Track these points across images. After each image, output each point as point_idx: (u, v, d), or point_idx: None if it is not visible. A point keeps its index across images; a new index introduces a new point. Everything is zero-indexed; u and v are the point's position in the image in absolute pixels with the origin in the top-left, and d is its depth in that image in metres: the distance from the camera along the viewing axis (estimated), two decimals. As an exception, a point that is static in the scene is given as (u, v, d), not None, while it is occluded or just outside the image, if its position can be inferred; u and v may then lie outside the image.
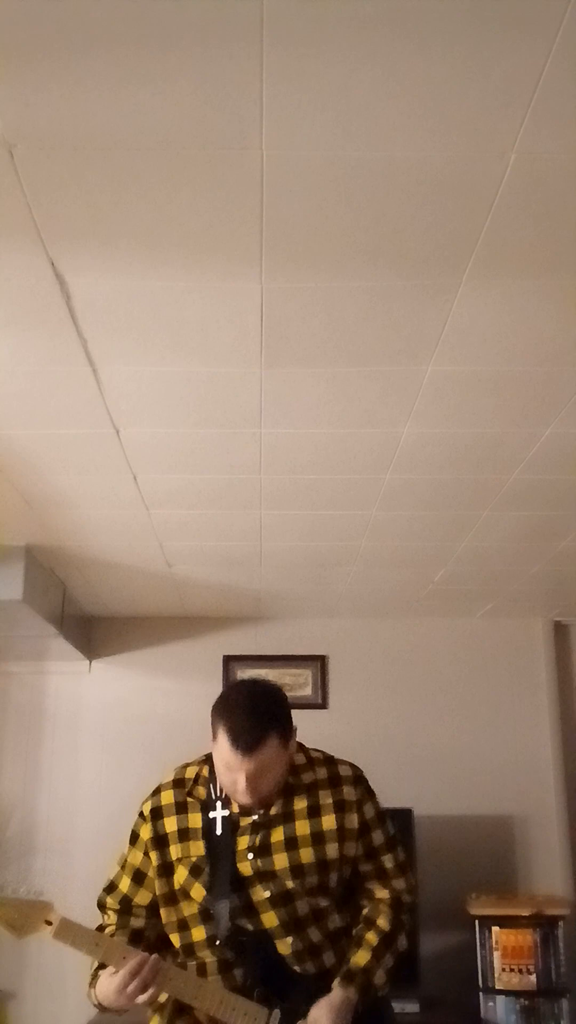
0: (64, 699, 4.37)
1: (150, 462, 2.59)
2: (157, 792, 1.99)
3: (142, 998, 1.77)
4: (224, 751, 1.81)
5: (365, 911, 1.92)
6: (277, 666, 4.33)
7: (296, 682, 4.34)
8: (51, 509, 2.95)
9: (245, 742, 1.78)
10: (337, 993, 1.79)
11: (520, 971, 3.65)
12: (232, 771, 1.82)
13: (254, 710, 1.83)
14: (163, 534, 3.22)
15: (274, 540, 3.29)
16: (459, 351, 1.97)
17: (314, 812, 1.90)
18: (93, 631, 4.47)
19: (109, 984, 1.79)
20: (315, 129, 1.34)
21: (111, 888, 1.97)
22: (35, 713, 4.34)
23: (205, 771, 1.96)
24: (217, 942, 1.83)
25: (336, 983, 1.81)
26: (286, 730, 1.85)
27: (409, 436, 2.40)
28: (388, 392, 2.17)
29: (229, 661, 4.41)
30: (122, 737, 4.30)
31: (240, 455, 2.54)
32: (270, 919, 1.83)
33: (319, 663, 4.42)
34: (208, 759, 1.97)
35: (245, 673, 4.36)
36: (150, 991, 1.77)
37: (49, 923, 1.77)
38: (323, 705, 4.33)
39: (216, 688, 4.39)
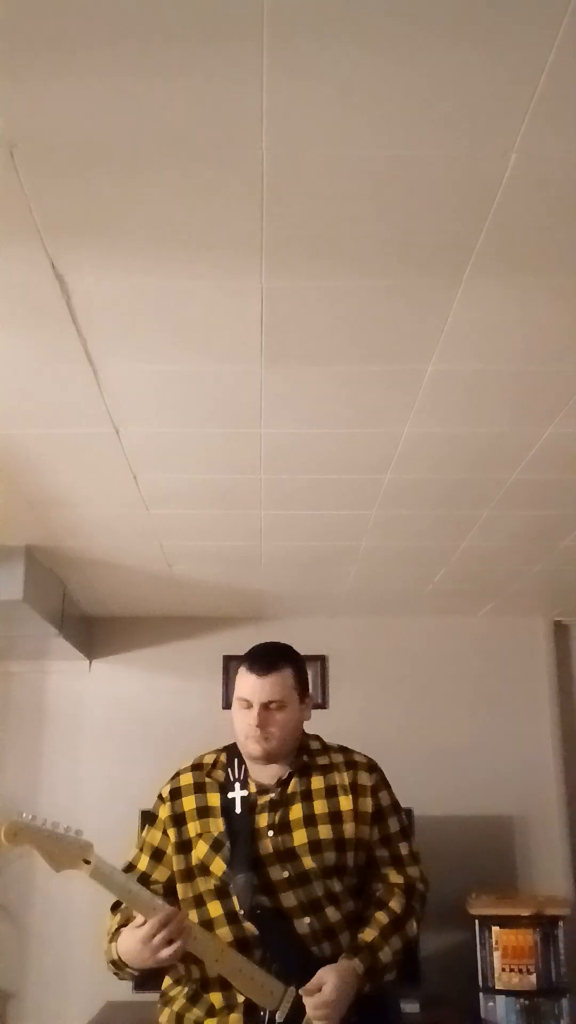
0: (64, 699, 4.36)
1: (150, 462, 2.59)
2: (176, 776, 2.05)
3: (166, 951, 1.76)
4: (240, 684, 1.95)
5: (378, 894, 1.95)
6: (277, 666, 4.32)
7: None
8: (51, 509, 2.95)
9: (261, 664, 1.94)
10: (343, 962, 1.82)
11: (520, 971, 3.65)
12: (246, 708, 1.93)
13: (273, 646, 2.02)
14: (163, 534, 3.21)
15: (274, 540, 3.29)
16: (460, 350, 1.97)
17: (331, 792, 1.96)
18: (93, 631, 4.47)
19: (133, 936, 1.78)
20: (316, 126, 1.34)
21: (129, 868, 2.00)
22: (36, 713, 4.34)
23: (223, 757, 2.03)
24: (240, 912, 1.85)
25: (343, 956, 1.84)
26: (301, 679, 2.00)
27: (410, 436, 2.40)
28: (389, 391, 2.17)
29: (229, 661, 4.40)
30: (122, 737, 4.30)
31: (241, 455, 2.54)
32: (288, 899, 1.86)
33: (319, 663, 4.42)
34: (225, 748, 2.04)
35: (245, 673, 4.36)
36: (175, 945, 1.76)
37: (87, 862, 1.79)
38: (323, 705, 4.33)
39: (216, 688, 4.41)
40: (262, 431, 2.38)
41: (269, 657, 1.97)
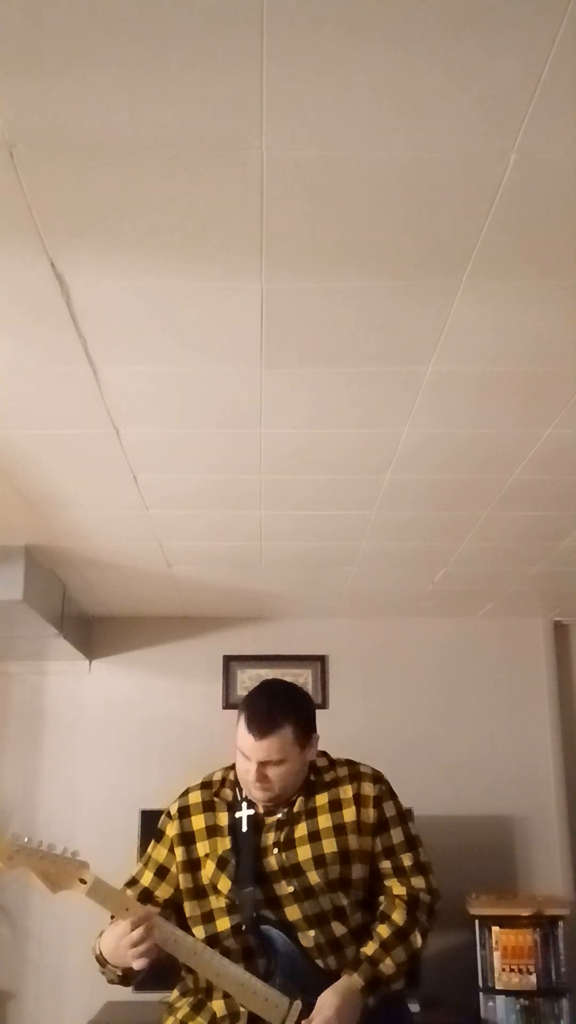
0: (64, 699, 4.36)
1: (150, 462, 2.59)
2: (185, 793, 2.05)
3: (138, 950, 1.77)
4: (240, 737, 1.90)
5: (381, 907, 1.94)
6: (277, 666, 4.33)
7: (296, 682, 4.32)
8: (51, 509, 2.95)
9: (258, 726, 1.87)
10: (343, 981, 1.81)
11: (520, 971, 3.65)
12: (245, 759, 1.89)
13: (273, 700, 1.93)
14: (163, 534, 3.21)
15: (274, 540, 3.29)
16: (459, 351, 1.97)
17: (335, 806, 1.95)
18: (93, 631, 4.47)
19: (111, 932, 1.83)
20: (315, 129, 1.34)
21: (132, 883, 2.01)
22: (35, 713, 4.34)
23: (231, 775, 2.01)
24: (243, 928, 1.85)
25: (343, 972, 1.83)
26: (303, 728, 1.92)
27: (409, 436, 2.40)
28: (388, 392, 2.17)
29: (229, 661, 4.40)
30: (122, 737, 4.29)
31: (240, 455, 2.54)
32: (293, 912, 1.86)
33: (319, 663, 4.42)
34: (233, 766, 2.02)
35: (245, 673, 4.36)
36: (147, 943, 1.77)
37: (83, 882, 1.81)
38: (323, 705, 4.33)
39: (216, 688, 4.41)
40: (262, 432, 2.38)
41: (268, 715, 1.88)
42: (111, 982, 1.92)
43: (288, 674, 4.34)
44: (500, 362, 2.03)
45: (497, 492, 2.81)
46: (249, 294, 1.76)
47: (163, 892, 1.96)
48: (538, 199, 1.49)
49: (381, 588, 3.98)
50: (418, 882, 1.96)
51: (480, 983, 3.67)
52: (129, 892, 1.97)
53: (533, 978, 3.63)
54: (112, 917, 1.88)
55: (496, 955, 3.68)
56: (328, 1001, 1.77)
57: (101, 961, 1.87)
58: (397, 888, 1.95)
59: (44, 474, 2.65)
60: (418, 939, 1.91)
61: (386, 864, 1.96)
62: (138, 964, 1.79)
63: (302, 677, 4.37)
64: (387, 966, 1.84)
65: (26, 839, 1.79)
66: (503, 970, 3.66)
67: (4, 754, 4.29)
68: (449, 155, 1.39)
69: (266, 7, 1.14)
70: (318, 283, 1.73)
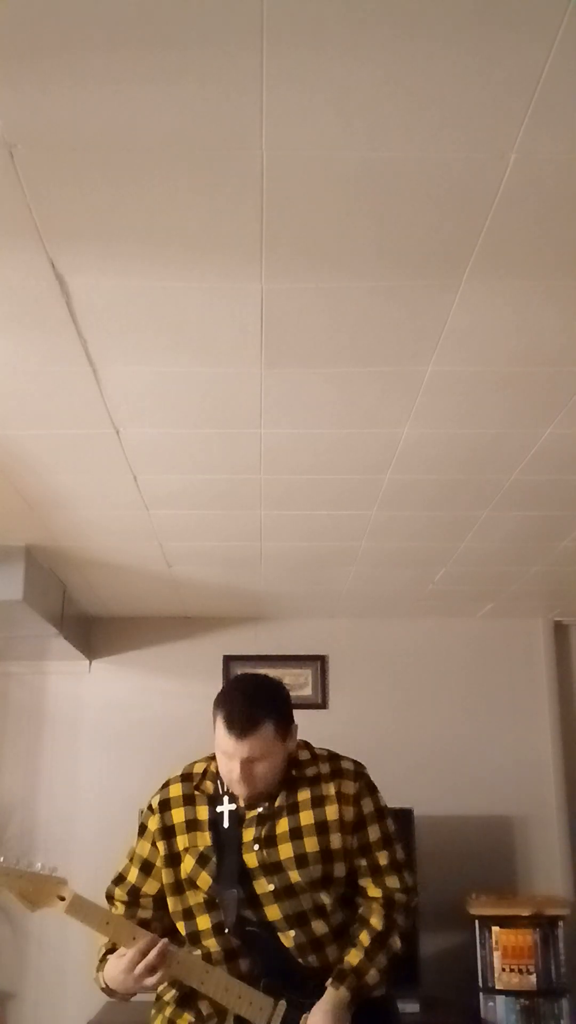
0: (64, 699, 4.37)
1: (150, 462, 2.59)
2: (166, 786, 2.03)
3: (149, 981, 1.78)
4: (220, 737, 1.87)
5: (360, 910, 1.93)
6: (277, 666, 4.32)
7: (296, 682, 4.34)
8: (51, 509, 2.95)
9: (239, 726, 1.83)
10: (330, 995, 1.80)
11: (520, 971, 3.65)
12: (227, 758, 1.86)
13: (250, 697, 1.89)
14: (163, 534, 3.22)
15: (274, 540, 3.29)
16: (459, 351, 1.97)
17: (318, 803, 1.92)
18: (93, 631, 4.47)
19: (117, 965, 1.80)
20: (315, 129, 1.34)
21: (120, 880, 2.00)
22: (35, 713, 4.34)
23: (213, 767, 1.99)
24: (225, 930, 1.85)
25: (328, 983, 1.82)
26: (283, 722, 1.89)
27: (409, 436, 2.40)
28: (388, 392, 2.17)
29: (229, 661, 4.40)
30: (122, 737, 4.30)
31: (240, 455, 2.54)
32: (273, 912, 1.85)
33: (319, 663, 4.42)
34: (214, 757, 1.99)
35: (245, 673, 4.37)
36: (158, 974, 1.77)
37: (62, 898, 1.79)
38: (323, 705, 4.33)
39: (216, 688, 4.38)
40: (262, 432, 2.39)
41: (247, 715, 1.84)
42: (116, 1000, 1.92)
43: (288, 674, 4.34)
44: (500, 362, 2.03)
45: (497, 492, 2.81)
46: (249, 294, 1.76)
47: (150, 888, 1.96)
48: (538, 199, 1.49)
49: (381, 588, 3.98)
50: (392, 882, 1.93)
51: (480, 983, 3.67)
52: (118, 901, 1.96)
53: (533, 978, 3.63)
54: (114, 946, 1.86)
55: (496, 955, 3.68)
56: (316, 1021, 1.77)
57: (108, 992, 1.86)
58: (372, 890, 1.93)
59: (44, 474, 2.65)
60: (397, 941, 1.90)
61: (361, 862, 1.93)
62: (157, 986, 1.83)
63: (302, 677, 4.37)
64: (372, 976, 1.84)
65: (1, 858, 1.77)
66: (503, 970, 3.66)
67: (4, 754, 4.29)
68: (449, 155, 1.39)
69: (266, 8, 1.14)
70: (317, 285, 1.73)
